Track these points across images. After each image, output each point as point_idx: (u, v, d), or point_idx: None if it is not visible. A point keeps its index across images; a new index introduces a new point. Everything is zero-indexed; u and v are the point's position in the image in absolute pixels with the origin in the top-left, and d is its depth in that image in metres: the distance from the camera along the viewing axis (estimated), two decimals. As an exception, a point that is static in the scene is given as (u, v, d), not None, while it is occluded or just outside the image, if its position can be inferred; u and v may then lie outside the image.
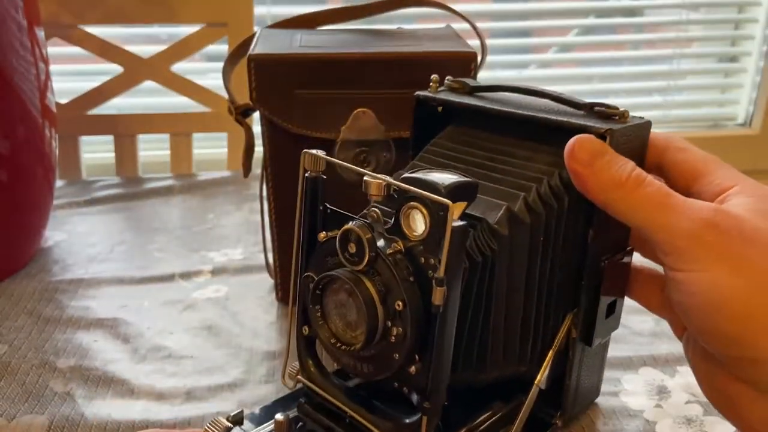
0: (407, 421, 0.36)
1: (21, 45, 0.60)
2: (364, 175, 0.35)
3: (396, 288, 0.34)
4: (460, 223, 0.32)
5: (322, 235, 0.37)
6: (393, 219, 0.35)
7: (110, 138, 1.01)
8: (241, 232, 0.73)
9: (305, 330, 0.39)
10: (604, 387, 0.49)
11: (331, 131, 0.54)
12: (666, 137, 0.41)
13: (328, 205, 0.39)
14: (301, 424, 0.41)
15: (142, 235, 0.72)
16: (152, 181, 0.85)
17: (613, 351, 0.53)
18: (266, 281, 0.64)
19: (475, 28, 0.63)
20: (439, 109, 0.45)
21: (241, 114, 0.58)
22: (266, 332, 0.56)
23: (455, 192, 0.33)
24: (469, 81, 0.45)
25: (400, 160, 0.54)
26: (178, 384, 0.50)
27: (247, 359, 0.53)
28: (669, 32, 1.40)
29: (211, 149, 1.17)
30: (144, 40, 1.19)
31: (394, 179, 0.35)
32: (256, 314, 0.59)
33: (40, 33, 0.65)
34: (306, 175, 0.38)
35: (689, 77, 1.45)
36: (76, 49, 0.99)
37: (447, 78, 0.46)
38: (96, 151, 1.14)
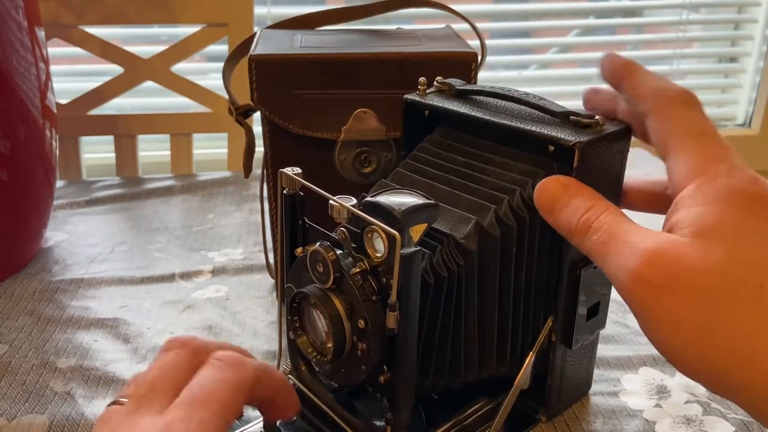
0: (378, 424, 0.38)
1: (21, 45, 0.60)
2: (329, 199, 0.36)
3: (359, 307, 0.35)
4: (412, 249, 0.33)
5: (299, 250, 0.39)
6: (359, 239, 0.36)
7: (110, 138, 1.01)
8: (241, 232, 0.73)
9: (291, 335, 0.40)
10: (604, 387, 0.49)
11: (331, 131, 0.54)
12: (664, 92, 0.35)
13: (306, 220, 0.40)
14: (293, 419, 0.43)
15: (142, 235, 0.72)
16: (152, 182, 0.85)
17: (613, 351, 0.53)
18: (266, 281, 0.64)
19: (474, 28, 0.63)
20: (426, 112, 0.45)
21: (242, 114, 0.58)
22: (266, 332, 0.56)
23: (411, 217, 0.34)
24: (456, 83, 0.46)
25: (401, 160, 0.54)
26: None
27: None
28: (669, 33, 1.40)
29: (212, 149, 1.18)
30: (144, 40, 1.20)
31: (361, 200, 0.36)
32: (256, 314, 0.59)
33: (41, 33, 0.65)
34: (284, 192, 0.40)
35: (689, 77, 1.45)
36: (77, 50, 0.99)
37: (436, 79, 0.46)
38: (96, 152, 1.15)
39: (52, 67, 0.68)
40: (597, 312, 0.43)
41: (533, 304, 0.41)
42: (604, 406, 0.48)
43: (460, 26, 0.64)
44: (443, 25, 0.65)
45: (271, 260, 0.64)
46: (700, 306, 0.29)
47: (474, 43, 0.58)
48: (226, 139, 1.04)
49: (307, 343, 0.39)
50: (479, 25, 0.65)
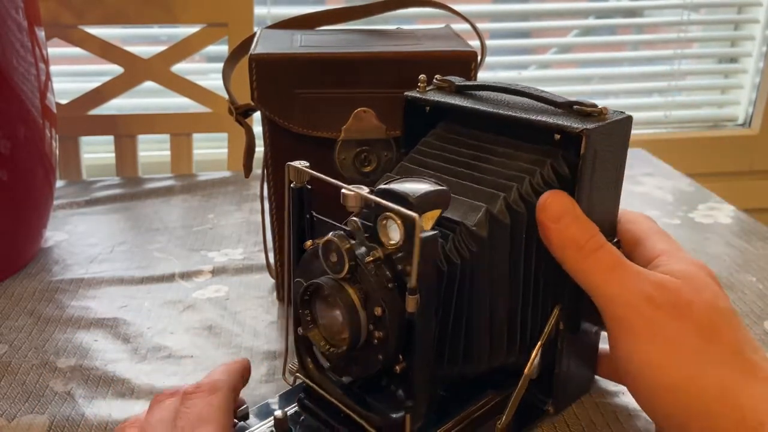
0: (394, 416, 0.37)
1: (21, 45, 0.60)
2: (341, 187, 0.36)
3: (375, 295, 0.35)
4: (430, 233, 0.33)
5: (308, 243, 0.39)
6: (372, 228, 0.36)
7: (110, 138, 1.01)
8: (241, 232, 0.73)
9: (300, 331, 0.40)
10: (606, 387, 0.49)
11: (331, 131, 0.54)
12: (623, 212, 0.44)
13: (314, 214, 0.40)
14: (302, 418, 0.42)
15: (142, 235, 0.72)
16: (152, 182, 0.85)
17: (614, 351, 0.53)
18: (266, 281, 0.64)
19: (474, 28, 0.63)
20: (427, 108, 0.45)
21: (242, 114, 0.58)
22: (266, 332, 0.56)
23: (426, 202, 0.34)
24: (456, 80, 0.46)
25: (401, 158, 0.54)
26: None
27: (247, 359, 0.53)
28: (669, 33, 1.40)
29: (212, 149, 1.18)
30: (144, 40, 1.20)
31: (373, 188, 0.36)
32: (256, 314, 0.59)
33: (41, 33, 0.65)
34: (291, 185, 0.39)
35: (689, 78, 1.45)
36: (77, 50, 0.99)
37: (435, 77, 0.46)
38: (96, 152, 1.15)
39: (52, 67, 0.68)
40: None
41: (542, 291, 0.42)
42: (605, 405, 0.48)
43: (460, 26, 0.64)
44: (443, 25, 0.65)
45: (272, 260, 0.63)
46: (701, 338, 0.36)
47: (474, 43, 0.58)
48: (226, 139, 1.04)
49: (319, 336, 0.38)
50: (479, 25, 0.65)
